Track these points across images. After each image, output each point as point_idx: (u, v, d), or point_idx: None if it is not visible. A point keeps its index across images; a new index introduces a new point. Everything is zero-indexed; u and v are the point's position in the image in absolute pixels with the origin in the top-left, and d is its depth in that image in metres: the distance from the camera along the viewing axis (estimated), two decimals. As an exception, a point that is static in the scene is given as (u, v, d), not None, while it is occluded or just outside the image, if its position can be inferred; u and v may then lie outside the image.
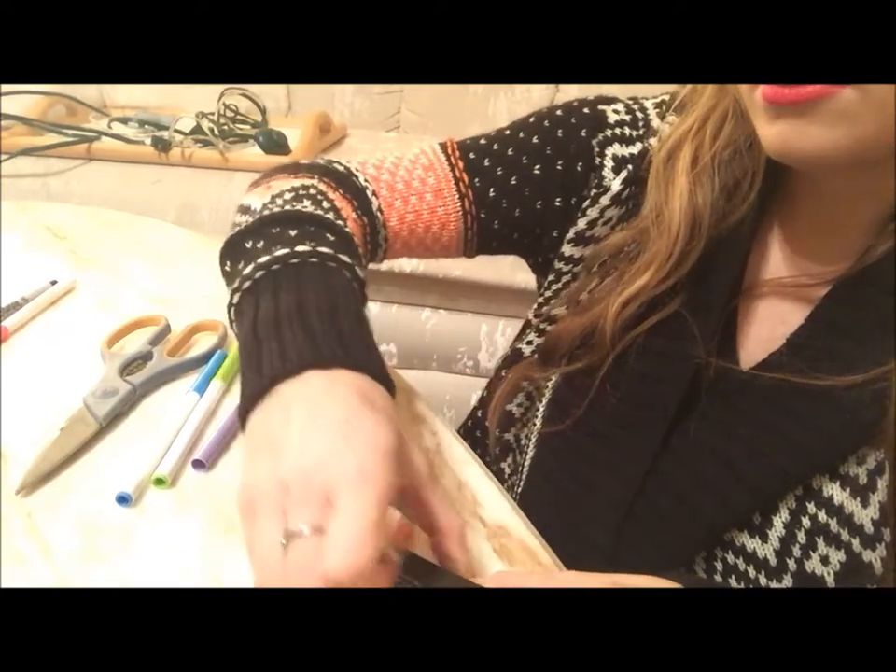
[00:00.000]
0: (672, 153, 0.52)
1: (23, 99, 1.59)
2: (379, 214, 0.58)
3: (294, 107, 1.98)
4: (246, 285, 0.44)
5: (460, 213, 0.58)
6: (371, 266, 0.65)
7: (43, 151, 1.52)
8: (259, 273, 0.44)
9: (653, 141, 0.56)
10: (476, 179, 0.58)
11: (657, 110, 0.58)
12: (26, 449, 0.52)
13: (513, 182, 0.58)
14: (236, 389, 0.59)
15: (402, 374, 0.62)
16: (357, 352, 0.40)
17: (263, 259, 0.45)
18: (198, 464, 0.51)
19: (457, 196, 0.58)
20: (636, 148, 0.56)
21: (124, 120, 1.65)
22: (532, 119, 0.59)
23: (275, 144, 1.55)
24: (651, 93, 0.60)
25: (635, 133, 0.57)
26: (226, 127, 1.59)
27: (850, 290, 0.47)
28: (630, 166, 0.56)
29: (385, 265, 0.81)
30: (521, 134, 0.59)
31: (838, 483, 0.45)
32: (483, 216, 0.59)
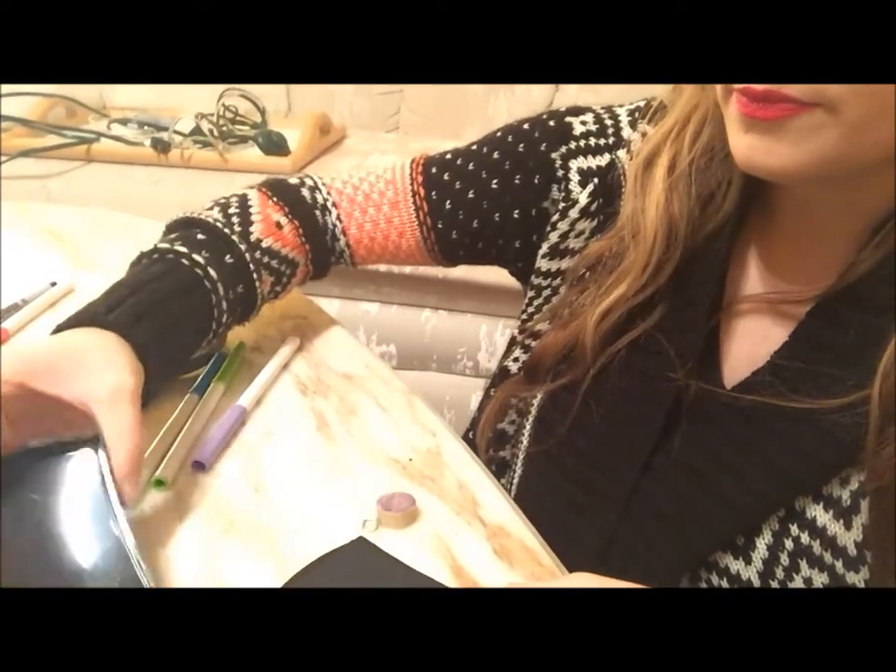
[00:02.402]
0: (650, 159, 0.52)
1: (23, 100, 1.59)
2: (338, 222, 0.64)
3: (294, 108, 1.97)
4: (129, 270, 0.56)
5: (416, 223, 0.62)
6: (370, 267, 0.69)
7: (43, 153, 1.52)
8: (134, 268, 0.56)
9: (622, 153, 0.56)
10: (433, 192, 0.62)
11: (630, 118, 0.57)
12: (26, 450, 0.52)
13: (471, 195, 0.60)
14: (236, 389, 0.59)
15: (402, 375, 0.62)
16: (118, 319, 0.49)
17: (146, 250, 0.56)
18: (198, 465, 0.51)
19: (413, 208, 0.62)
20: (603, 160, 0.57)
21: (124, 122, 1.65)
22: (499, 134, 0.62)
23: (275, 145, 1.55)
24: (650, 93, 0.60)
25: (603, 142, 0.57)
26: (225, 128, 1.59)
27: (833, 308, 0.46)
28: (596, 179, 0.56)
29: (385, 266, 0.82)
30: (484, 150, 0.61)
31: (821, 504, 0.45)
32: (440, 226, 0.62)
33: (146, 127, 1.63)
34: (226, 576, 0.44)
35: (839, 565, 0.45)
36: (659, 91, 0.58)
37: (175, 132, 1.54)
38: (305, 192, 0.64)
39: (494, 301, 1.41)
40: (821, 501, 0.45)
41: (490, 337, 1.43)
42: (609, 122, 0.58)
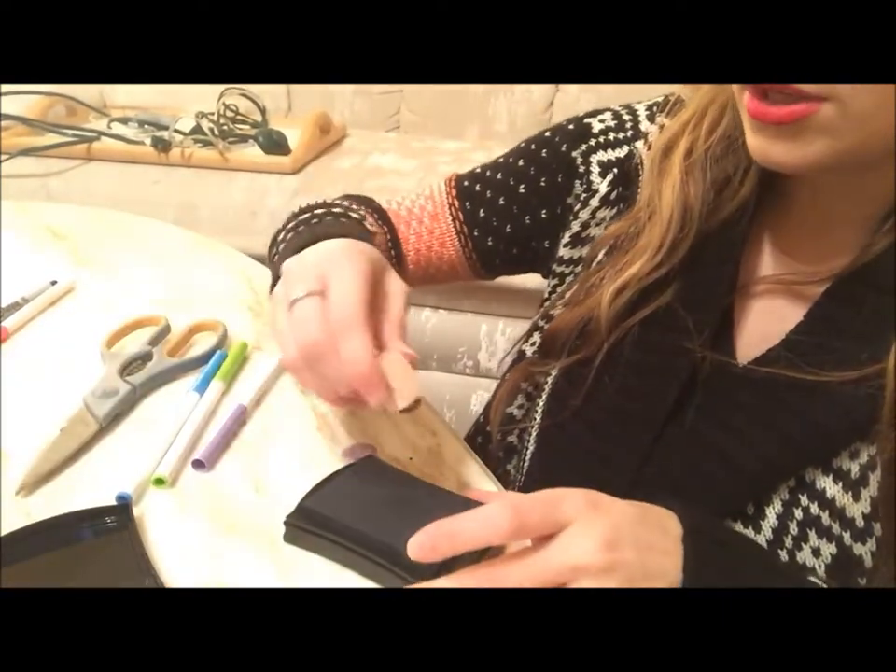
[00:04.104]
0: (668, 147, 0.54)
1: (23, 99, 1.59)
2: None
3: (294, 107, 1.97)
4: (281, 247, 0.57)
5: (454, 232, 0.66)
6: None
7: (43, 151, 1.52)
8: (290, 235, 0.57)
9: (640, 144, 0.58)
10: (466, 203, 0.66)
11: (648, 112, 0.60)
12: (26, 449, 0.52)
13: (501, 202, 0.64)
14: (236, 389, 0.59)
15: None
16: (342, 230, 0.52)
17: (291, 225, 0.59)
18: (198, 464, 0.51)
19: (450, 218, 0.66)
20: (622, 152, 0.59)
21: (124, 121, 1.65)
22: (523, 145, 0.65)
23: (275, 144, 1.55)
24: (650, 94, 0.60)
25: (622, 135, 0.60)
26: (226, 127, 1.59)
27: (848, 288, 0.47)
28: (616, 169, 0.59)
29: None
30: (510, 160, 0.65)
31: (831, 476, 0.46)
32: (476, 234, 0.65)
33: (146, 126, 1.63)
34: (226, 576, 0.44)
35: (847, 536, 0.45)
36: (660, 90, 0.59)
37: (176, 130, 1.54)
38: (378, 204, 0.68)
39: (494, 301, 1.41)
40: (831, 473, 0.46)
41: (490, 337, 1.43)
42: (627, 118, 0.60)
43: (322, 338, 0.43)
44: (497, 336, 1.43)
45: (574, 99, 1.82)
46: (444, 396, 1.45)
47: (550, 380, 0.58)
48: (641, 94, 0.62)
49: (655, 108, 0.59)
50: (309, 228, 0.56)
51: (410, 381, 0.44)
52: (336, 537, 0.44)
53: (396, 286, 0.49)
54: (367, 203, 0.68)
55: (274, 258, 0.58)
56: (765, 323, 0.51)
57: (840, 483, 0.46)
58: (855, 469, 0.46)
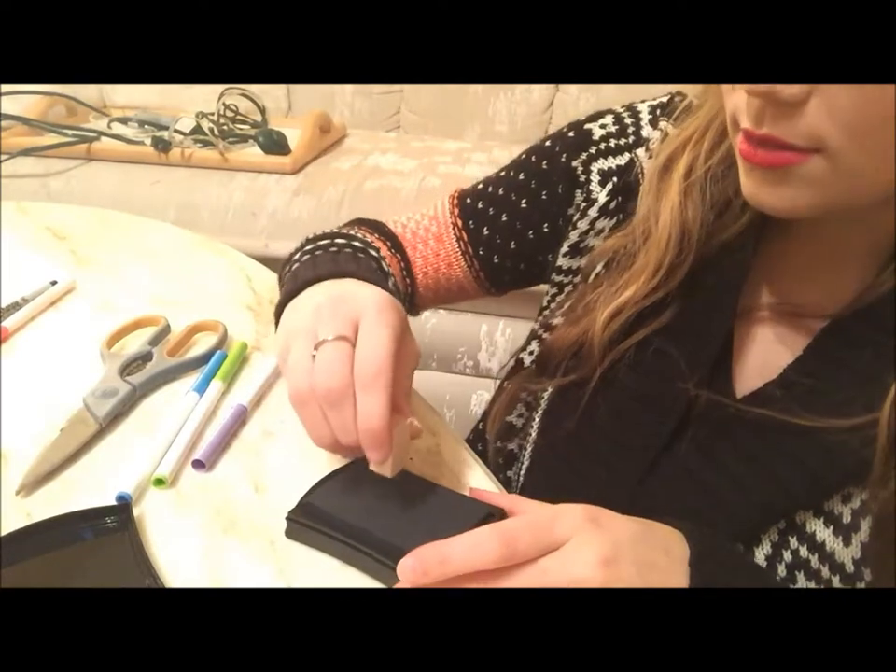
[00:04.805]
0: (668, 163, 0.52)
1: (23, 99, 1.59)
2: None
3: (294, 107, 1.98)
4: (295, 266, 0.55)
5: (459, 253, 0.65)
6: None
7: (43, 151, 1.52)
8: (306, 257, 0.56)
9: (640, 151, 0.56)
10: (469, 221, 0.65)
11: (651, 116, 0.58)
12: (26, 449, 0.52)
13: (504, 219, 0.63)
14: (236, 389, 0.59)
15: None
16: (368, 273, 0.51)
17: (309, 248, 0.58)
18: (198, 464, 0.51)
19: (455, 238, 0.65)
20: (623, 159, 0.57)
21: (124, 120, 1.65)
22: (523, 156, 0.64)
23: (275, 144, 1.55)
24: (650, 94, 0.60)
25: (623, 141, 0.58)
26: (226, 127, 1.59)
27: (848, 327, 0.46)
28: (615, 178, 0.57)
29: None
30: (511, 174, 0.64)
31: (822, 519, 0.45)
32: (481, 253, 0.65)
33: (146, 126, 1.63)
34: (226, 576, 0.44)
35: (836, 580, 0.45)
36: (660, 90, 0.58)
37: (176, 130, 1.54)
38: (389, 229, 0.67)
39: (494, 301, 1.40)
40: (822, 516, 0.45)
41: (490, 337, 1.43)
42: (629, 121, 0.59)
43: (344, 386, 0.42)
44: (497, 336, 1.43)
45: (574, 99, 1.82)
46: (444, 396, 1.45)
47: (546, 396, 0.58)
48: (641, 94, 0.61)
49: (659, 111, 0.58)
50: (330, 257, 0.54)
51: (405, 452, 0.45)
52: (337, 533, 0.44)
53: (411, 348, 0.48)
54: (377, 228, 0.67)
55: (285, 276, 0.56)
56: (765, 353, 0.50)
57: (831, 527, 0.45)
58: (847, 513, 0.45)
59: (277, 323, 0.50)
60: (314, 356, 0.43)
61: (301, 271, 0.53)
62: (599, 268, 0.56)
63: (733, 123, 0.44)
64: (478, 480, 0.51)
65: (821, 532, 0.45)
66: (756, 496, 0.47)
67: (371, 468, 0.45)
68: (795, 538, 0.46)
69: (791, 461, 0.46)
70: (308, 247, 0.58)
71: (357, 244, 0.59)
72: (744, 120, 0.41)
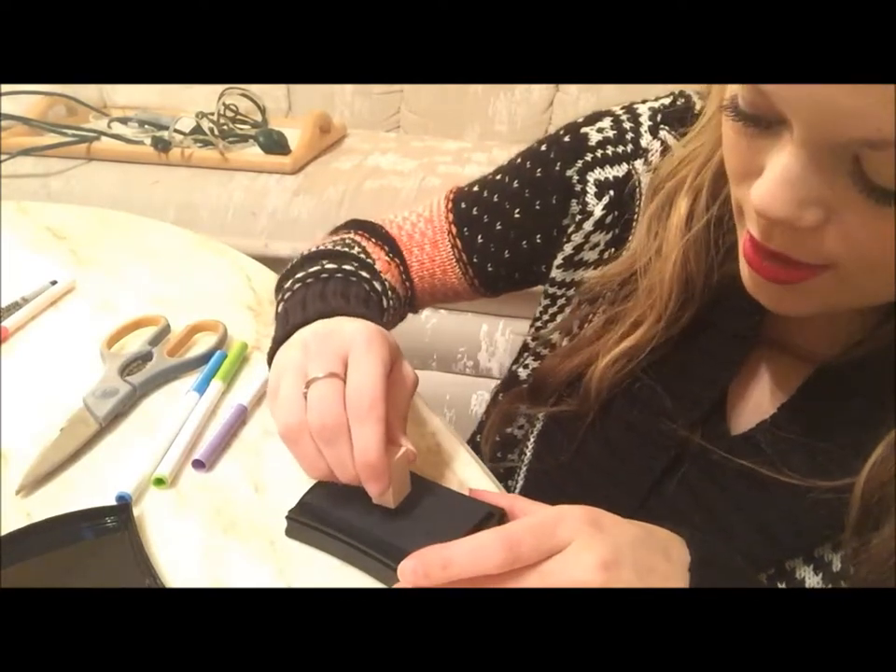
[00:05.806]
0: (664, 205, 0.50)
1: (23, 99, 1.59)
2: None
3: (294, 107, 1.97)
4: (287, 295, 0.54)
5: (453, 259, 0.64)
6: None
7: (43, 151, 1.52)
8: (297, 285, 0.54)
9: (639, 164, 0.55)
10: (464, 228, 0.63)
11: (651, 122, 0.56)
12: (26, 449, 0.52)
13: (498, 227, 0.61)
14: (236, 389, 0.59)
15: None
16: (356, 305, 0.51)
17: (300, 275, 0.56)
18: (198, 464, 0.51)
19: (449, 245, 0.64)
20: (620, 170, 0.55)
21: (124, 120, 1.65)
22: (518, 160, 0.62)
23: (275, 144, 1.55)
24: (651, 93, 0.59)
25: (621, 149, 0.56)
26: (226, 127, 1.59)
27: (840, 373, 0.45)
28: (612, 191, 0.55)
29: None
30: (506, 179, 0.62)
31: (812, 566, 0.45)
32: (475, 260, 0.63)
33: (146, 126, 1.63)
34: (225, 576, 0.44)
35: None
36: (660, 90, 0.58)
37: (176, 130, 1.54)
38: (386, 231, 0.66)
39: (494, 301, 1.40)
40: (812, 563, 0.45)
41: (490, 336, 1.43)
42: (628, 126, 0.56)
43: (339, 422, 0.42)
44: (496, 336, 1.43)
45: (574, 99, 1.82)
46: (444, 396, 1.45)
47: (542, 416, 0.58)
48: (642, 94, 0.59)
49: (660, 116, 0.55)
50: (319, 291, 0.53)
51: (405, 483, 0.45)
52: (337, 532, 0.44)
53: (406, 374, 0.47)
54: (374, 231, 0.66)
55: (277, 305, 0.56)
56: (760, 392, 0.50)
57: (821, 574, 0.44)
58: (836, 560, 0.44)
59: (270, 365, 0.49)
60: (305, 393, 0.43)
61: (291, 310, 0.52)
62: (596, 291, 0.55)
63: (738, 212, 0.42)
64: (478, 480, 0.51)
65: (811, 579, 0.45)
66: (743, 544, 0.46)
67: (375, 501, 0.44)
68: (784, 583, 0.45)
69: (778, 511, 0.45)
70: (299, 275, 0.56)
71: (348, 266, 0.57)
72: (752, 226, 0.40)
